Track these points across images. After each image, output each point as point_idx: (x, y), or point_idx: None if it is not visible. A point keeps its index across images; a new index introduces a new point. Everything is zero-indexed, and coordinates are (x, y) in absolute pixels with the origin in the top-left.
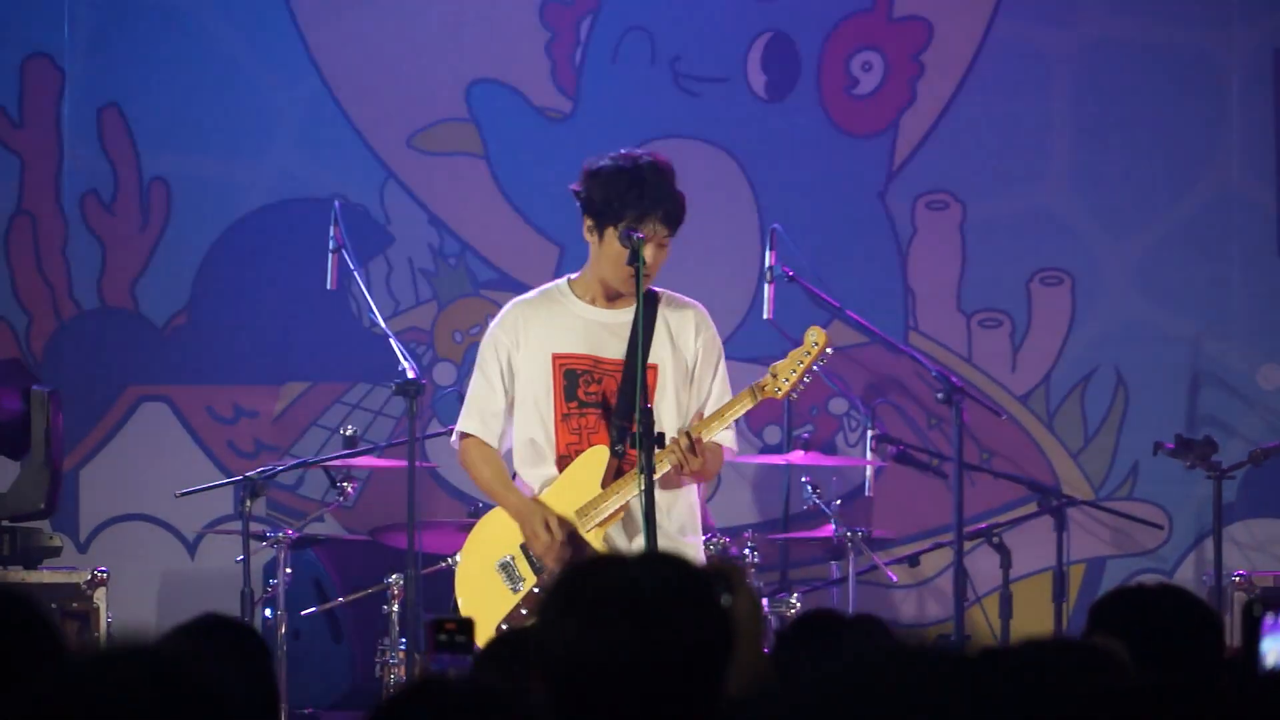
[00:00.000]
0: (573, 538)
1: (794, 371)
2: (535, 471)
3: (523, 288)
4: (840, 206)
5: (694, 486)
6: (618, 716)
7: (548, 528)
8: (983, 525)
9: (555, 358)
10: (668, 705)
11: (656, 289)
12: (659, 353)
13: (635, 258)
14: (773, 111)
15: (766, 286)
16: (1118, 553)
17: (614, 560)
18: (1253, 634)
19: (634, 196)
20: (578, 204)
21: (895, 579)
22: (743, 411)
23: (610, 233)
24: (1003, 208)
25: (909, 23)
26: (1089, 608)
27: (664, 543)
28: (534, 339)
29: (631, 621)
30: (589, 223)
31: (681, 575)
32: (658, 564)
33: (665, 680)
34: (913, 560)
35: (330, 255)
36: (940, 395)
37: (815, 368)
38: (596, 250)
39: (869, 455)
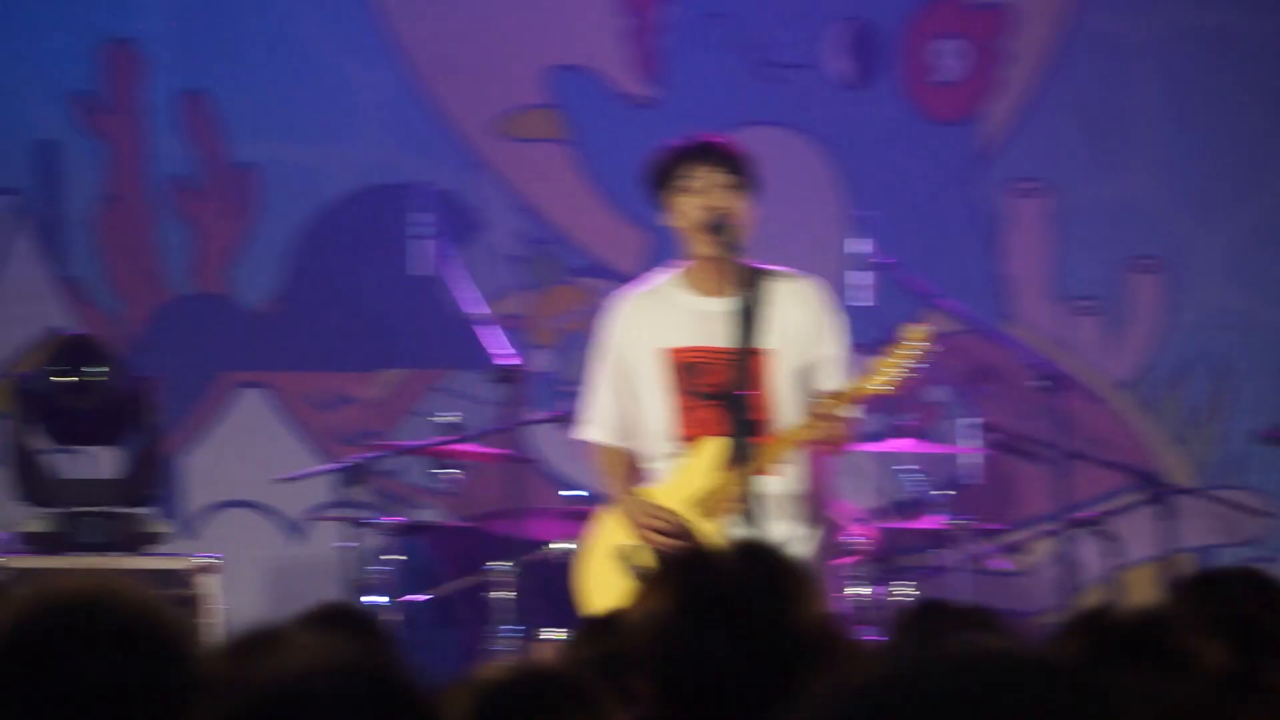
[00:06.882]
0: (684, 530)
1: (896, 368)
2: (661, 465)
3: (614, 275)
4: (925, 194)
5: (810, 478)
6: (714, 713)
7: (655, 519)
8: (1086, 514)
9: (667, 353)
10: (761, 704)
11: (763, 266)
12: (770, 338)
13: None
14: (855, 99)
15: (855, 274)
16: (1229, 541)
17: (710, 553)
18: None
19: (676, 153)
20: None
21: (1010, 566)
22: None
23: (672, 197)
24: (1093, 194)
25: (990, 9)
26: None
27: (778, 533)
28: (645, 335)
29: (726, 617)
30: (660, 204)
31: (775, 569)
32: (752, 557)
33: (758, 678)
34: (1016, 548)
35: (420, 241)
36: (1038, 382)
37: (915, 364)
38: (677, 227)
39: (960, 443)
